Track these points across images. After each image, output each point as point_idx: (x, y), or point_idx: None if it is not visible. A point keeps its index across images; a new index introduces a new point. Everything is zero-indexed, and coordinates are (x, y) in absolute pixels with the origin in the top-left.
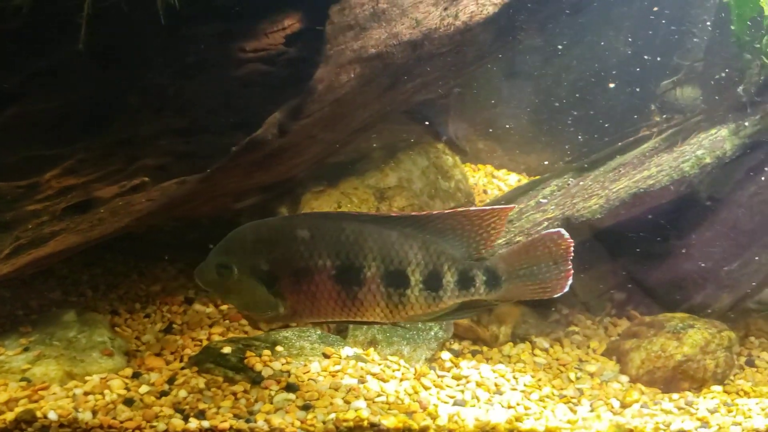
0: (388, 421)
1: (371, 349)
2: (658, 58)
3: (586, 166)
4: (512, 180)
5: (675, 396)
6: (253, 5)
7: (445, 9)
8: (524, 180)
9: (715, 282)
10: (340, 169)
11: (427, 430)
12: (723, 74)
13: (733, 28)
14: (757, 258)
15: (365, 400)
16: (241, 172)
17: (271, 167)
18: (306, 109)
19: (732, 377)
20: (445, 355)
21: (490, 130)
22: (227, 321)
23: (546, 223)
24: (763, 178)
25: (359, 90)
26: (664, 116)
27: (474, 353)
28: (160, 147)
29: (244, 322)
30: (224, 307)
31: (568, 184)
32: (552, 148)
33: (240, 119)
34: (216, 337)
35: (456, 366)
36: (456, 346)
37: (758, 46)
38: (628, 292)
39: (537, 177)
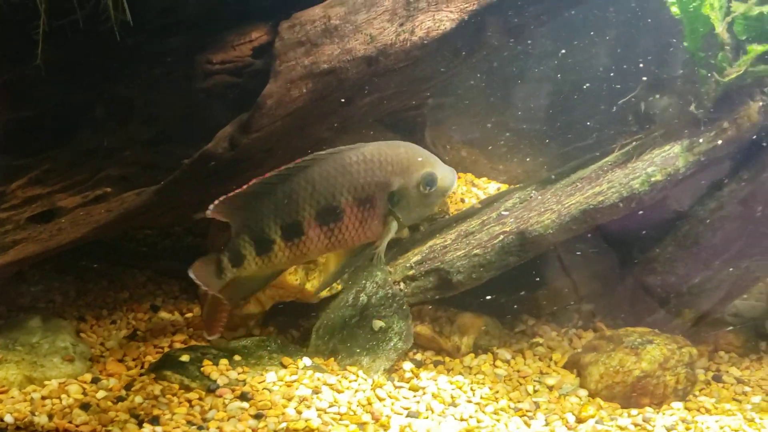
0: None
1: (332, 359)
2: (641, 66)
3: (553, 177)
4: (492, 188)
5: (634, 412)
6: (221, 17)
7: (401, 25)
8: (504, 188)
9: (678, 297)
10: None
11: None
12: (684, 88)
13: (686, 44)
14: (718, 273)
15: (317, 410)
16: (196, 183)
17: (227, 179)
18: (255, 124)
19: (697, 392)
20: (407, 365)
21: (473, 138)
22: (191, 329)
23: (502, 237)
24: (724, 194)
25: (314, 104)
26: (646, 127)
27: (436, 364)
28: (124, 158)
29: None
30: (189, 315)
31: (531, 197)
32: (532, 157)
33: (205, 130)
34: (178, 345)
35: (416, 377)
36: (419, 357)
37: (713, 62)
38: (595, 303)
39: (517, 185)
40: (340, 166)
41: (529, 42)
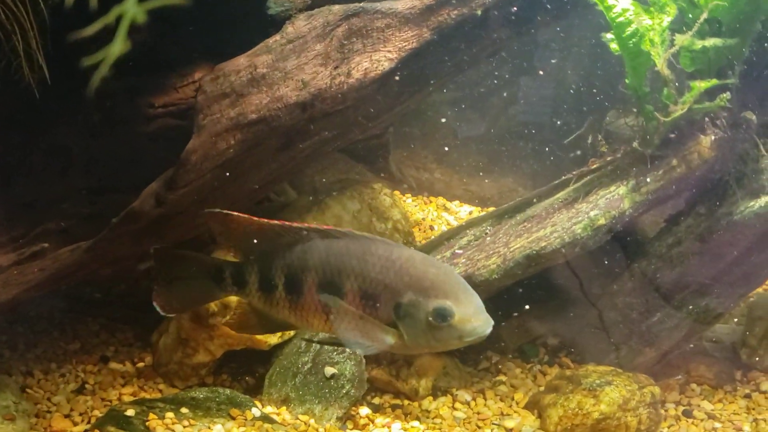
0: None
1: (284, 408)
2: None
3: (507, 210)
4: (464, 212)
5: None
6: (162, 59)
7: (336, 68)
8: (476, 212)
9: (638, 335)
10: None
11: None
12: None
13: (627, 81)
14: (678, 312)
15: None
16: (128, 240)
17: (161, 233)
18: (181, 180)
19: (665, 429)
20: (364, 410)
21: (444, 159)
22: (141, 380)
23: None
24: (681, 229)
25: (246, 154)
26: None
27: (394, 408)
28: (63, 210)
29: (159, 380)
30: (140, 364)
31: (485, 234)
32: (505, 179)
33: (152, 176)
34: (127, 398)
35: (372, 423)
36: (377, 401)
37: (658, 97)
38: (561, 338)
39: (491, 209)
40: (362, 250)
41: (494, 63)
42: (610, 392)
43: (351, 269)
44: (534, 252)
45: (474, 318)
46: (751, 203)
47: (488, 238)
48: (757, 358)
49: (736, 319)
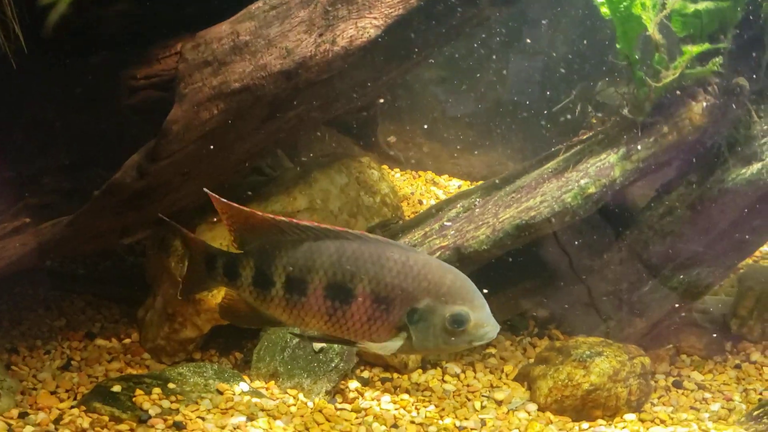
0: None
1: (272, 382)
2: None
3: (497, 182)
4: (454, 186)
5: (585, 425)
6: (144, 29)
7: (320, 35)
8: (465, 186)
9: (628, 306)
10: (240, 193)
11: None
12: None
13: (618, 46)
14: (669, 281)
15: None
16: (110, 213)
17: (144, 206)
18: (163, 151)
19: (655, 400)
20: (353, 384)
21: (433, 134)
22: (128, 356)
23: (439, 252)
24: (672, 198)
25: (231, 124)
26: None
27: (383, 381)
28: (44, 185)
29: (146, 356)
30: (127, 341)
31: (474, 205)
32: (494, 152)
33: (133, 149)
34: (113, 374)
35: (361, 396)
36: (366, 374)
37: (650, 63)
38: (551, 310)
39: (479, 182)
40: (377, 254)
41: (483, 36)
42: (601, 363)
43: (365, 272)
44: (523, 222)
45: (486, 323)
46: (743, 170)
47: (477, 210)
48: (746, 329)
49: (725, 292)
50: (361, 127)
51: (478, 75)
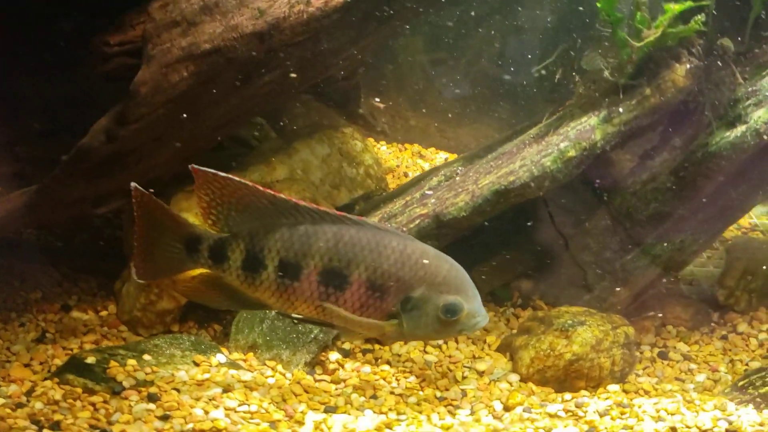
0: (248, 431)
1: (251, 354)
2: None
3: (480, 151)
4: (440, 159)
5: (568, 396)
6: None
7: None
8: (452, 158)
9: (611, 275)
10: (222, 165)
11: None
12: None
13: (599, 5)
14: (652, 249)
15: (226, 409)
16: (81, 179)
17: (115, 173)
18: (131, 114)
19: (640, 371)
20: (334, 355)
21: (421, 106)
22: (105, 328)
23: (419, 220)
24: (656, 164)
25: (202, 88)
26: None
27: (365, 352)
28: (16, 153)
29: (123, 328)
30: (104, 313)
31: (456, 174)
32: (481, 125)
33: None
34: (88, 346)
35: (342, 367)
36: (347, 346)
37: (632, 23)
38: (534, 281)
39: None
40: (375, 241)
41: (470, 5)
42: (583, 332)
43: (362, 259)
44: (502, 187)
45: (477, 314)
46: (727, 134)
47: (458, 178)
48: (733, 300)
49: (713, 264)
50: (343, 97)
51: (466, 46)
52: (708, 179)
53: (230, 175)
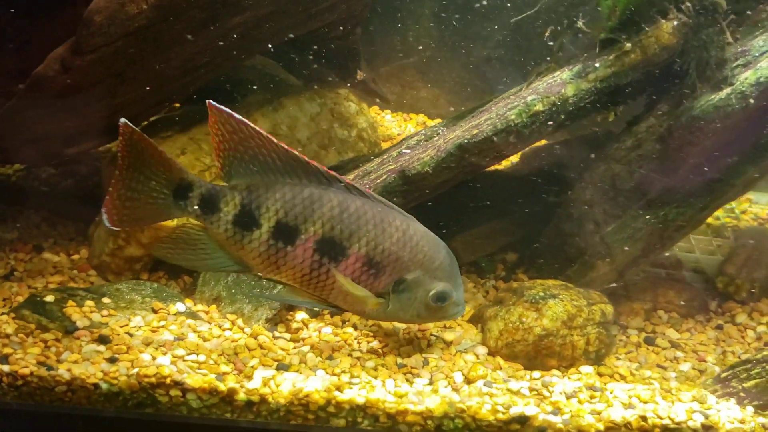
0: (193, 381)
1: (214, 307)
2: None
3: (466, 114)
4: None
5: (536, 374)
6: None
7: None
8: None
9: (592, 248)
10: (201, 115)
11: (235, 393)
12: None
13: None
14: (635, 221)
15: (173, 357)
16: (42, 113)
17: (78, 109)
18: (85, 44)
19: (622, 355)
20: (300, 315)
21: (429, 76)
22: (74, 271)
23: (386, 175)
24: (641, 130)
25: (164, 24)
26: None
27: (333, 314)
28: None
29: (92, 272)
30: (76, 256)
31: (438, 134)
32: (490, 95)
33: None
34: (53, 287)
35: (306, 327)
36: (332, 307)
37: None
38: (519, 253)
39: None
40: (380, 218)
41: None
42: (554, 306)
43: (365, 233)
44: (465, 141)
45: (460, 303)
46: (712, 97)
47: (436, 138)
48: (733, 288)
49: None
50: (340, 57)
51: (476, 18)
52: (692, 146)
53: (245, 120)
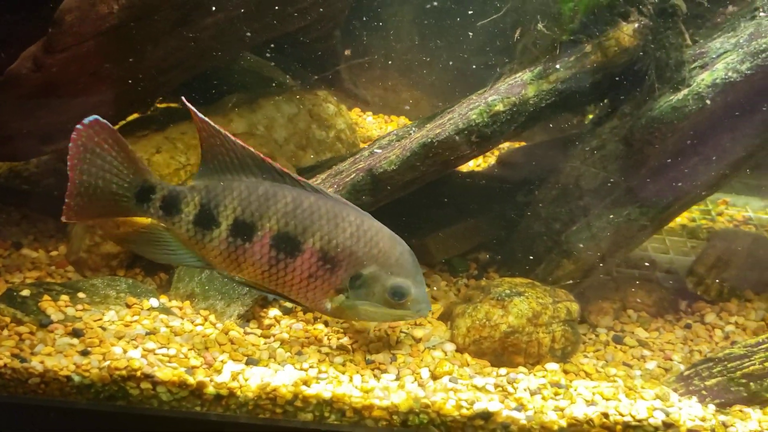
0: (163, 374)
1: (188, 302)
2: None
3: (435, 116)
4: None
5: (503, 371)
6: None
7: None
8: None
9: (558, 246)
10: (178, 114)
11: (204, 387)
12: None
13: None
14: (597, 221)
15: (144, 351)
16: (16, 110)
17: (53, 107)
18: (57, 42)
19: (590, 354)
20: (273, 312)
21: (411, 78)
22: (52, 267)
23: (354, 175)
24: (605, 131)
25: (137, 24)
26: None
27: (305, 311)
28: None
29: (69, 269)
30: (54, 253)
31: (409, 134)
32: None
33: None
34: (30, 282)
35: (278, 323)
36: (290, 304)
37: None
38: (492, 252)
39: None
40: (334, 213)
41: None
42: (519, 303)
43: (318, 228)
44: (429, 140)
45: (422, 301)
46: (671, 97)
47: (406, 139)
48: (703, 288)
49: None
50: (320, 60)
51: (455, 14)
52: (652, 146)
53: (206, 119)
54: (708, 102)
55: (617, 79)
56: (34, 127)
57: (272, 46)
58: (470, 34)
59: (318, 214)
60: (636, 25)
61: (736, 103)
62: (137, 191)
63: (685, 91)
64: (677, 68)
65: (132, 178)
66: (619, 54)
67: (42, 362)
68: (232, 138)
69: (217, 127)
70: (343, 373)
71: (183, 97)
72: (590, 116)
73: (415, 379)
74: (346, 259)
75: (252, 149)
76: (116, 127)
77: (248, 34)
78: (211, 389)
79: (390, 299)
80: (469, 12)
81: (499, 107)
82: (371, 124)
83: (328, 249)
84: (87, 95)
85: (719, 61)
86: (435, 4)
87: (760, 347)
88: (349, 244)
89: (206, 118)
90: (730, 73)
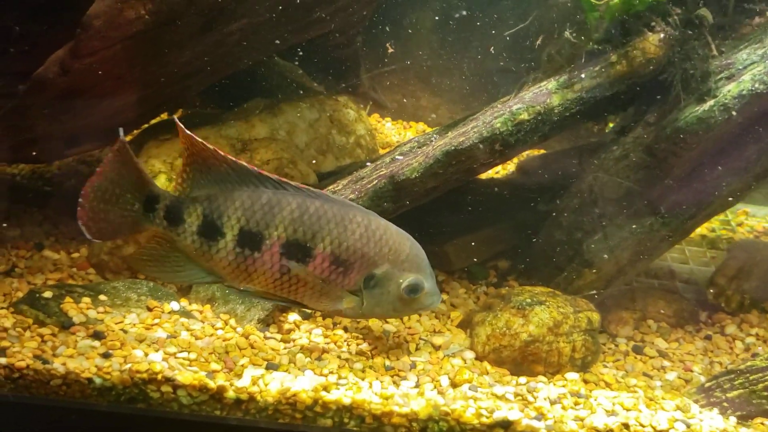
0: (183, 377)
1: (208, 306)
2: None
3: (459, 122)
4: None
5: (522, 380)
6: None
7: None
8: None
9: (580, 256)
10: (203, 118)
11: (225, 391)
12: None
13: None
14: (620, 231)
15: (165, 354)
16: (42, 114)
17: (78, 111)
18: (84, 47)
19: (609, 363)
20: (293, 317)
21: (431, 84)
22: (74, 269)
23: (376, 181)
24: (628, 140)
25: (163, 29)
26: None
27: (325, 317)
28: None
29: (91, 271)
30: (76, 255)
31: (430, 141)
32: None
33: None
34: (52, 283)
35: (298, 329)
36: (309, 310)
37: None
38: (512, 260)
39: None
40: (341, 214)
41: None
42: (540, 312)
43: (327, 232)
44: (452, 148)
45: (434, 293)
46: (696, 108)
47: (428, 147)
48: (723, 299)
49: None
50: (341, 66)
51: (476, 22)
52: (677, 157)
53: (192, 134)
54: (734, 113)
55: (642, 88)
56: (59, 131)
57: (299, 51)
58: (490, 41)
59: (326, 218)
60: (662, 35)
61: (762, 115)
62: (144, 201)
63: (711, 102)
64: (703, 79)
65: (141, 186)
66: (645, 64)
67: (64, 364)
68: (221, 152)
69: (205, 143)
70: (363, 379)
71: (175, 117)
72: (611, 125)
73: (435, 387)
74: (359, 260)
75: (244, 163)
76: (140, 130)
77: (272, 40)
78: (231, 393)
79: (405, 295)
80: (487, 19)
81: (524, 116)
82: (390, 130)
83: (339, 252)
84: (112, 99)
85: (746, 72)
86: (464, 13)
87: None
88: (359, 246)
89: (194, 135)
90: (756, 85)
